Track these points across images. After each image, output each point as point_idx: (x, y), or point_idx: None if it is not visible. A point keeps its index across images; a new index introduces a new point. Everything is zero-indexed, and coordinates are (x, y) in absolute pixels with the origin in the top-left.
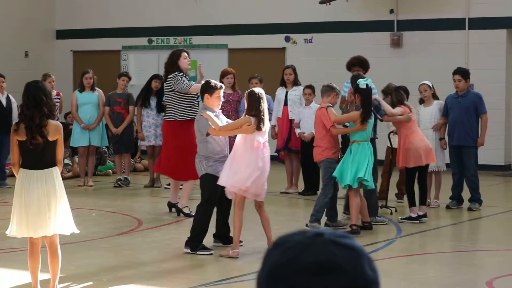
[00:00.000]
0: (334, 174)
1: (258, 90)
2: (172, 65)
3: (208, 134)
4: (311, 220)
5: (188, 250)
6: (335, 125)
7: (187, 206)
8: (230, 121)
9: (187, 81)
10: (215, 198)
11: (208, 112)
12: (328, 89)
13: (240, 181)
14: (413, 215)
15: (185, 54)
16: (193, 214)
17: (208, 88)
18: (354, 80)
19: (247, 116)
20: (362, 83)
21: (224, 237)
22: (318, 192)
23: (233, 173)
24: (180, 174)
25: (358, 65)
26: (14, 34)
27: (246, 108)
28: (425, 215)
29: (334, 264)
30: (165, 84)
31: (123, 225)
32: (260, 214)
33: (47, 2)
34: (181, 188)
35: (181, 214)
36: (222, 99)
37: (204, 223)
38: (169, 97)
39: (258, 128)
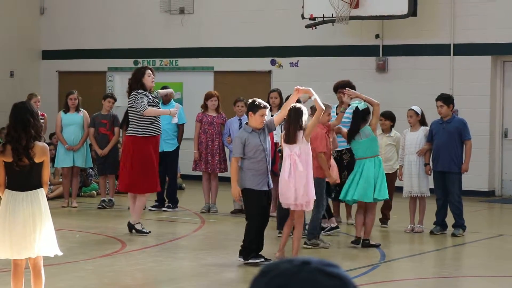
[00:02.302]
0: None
1: (300, 105)
2: (136, 82)
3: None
4: (309, 238)
5: (241, 259)
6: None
7: (139, 223)
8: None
9: (145, 102)
10: (258, 212)
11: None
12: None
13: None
14: (325, 226)
15: (149, 71)
16: (145, 230)
17: (252, 107)
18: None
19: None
20: (361, 105)
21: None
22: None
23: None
24: (138, 187)
25: (345, 88)
26: None
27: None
28: (336, 227)
29: None
30: (128, 100)
31: (106, 247)
32: (295, 224)
33: (33, 22)
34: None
35: (133, 231)
36: (266, 118)
37: (252, 235)
38: (131, 113)
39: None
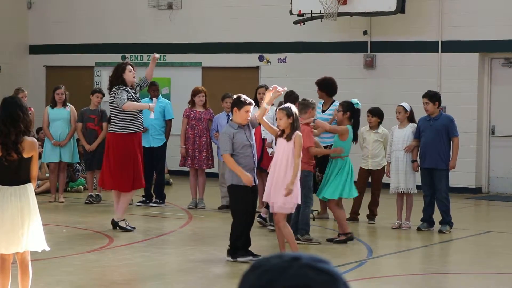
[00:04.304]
0: (324, 194)
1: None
2: (117, 78)
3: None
4: (301, 233)
5: (229, 258)
6: (313, 145)
7: (123, 220)
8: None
9: (125, 97)
10: (244, 208)
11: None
12: (303, 107)
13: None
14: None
15: (130, 67)
16: (130, 227)
17: (238, 103)
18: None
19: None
20: (355, 102)
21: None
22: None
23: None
24: (120, 185)
25: (324, 85)
26: None
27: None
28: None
29: None
30: (109, 96)
31: (93, 242)
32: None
33: (21, 16)
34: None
35: (118, 228)
36: (250, 115)
37: (237, 231)
38: (112, 110)
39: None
